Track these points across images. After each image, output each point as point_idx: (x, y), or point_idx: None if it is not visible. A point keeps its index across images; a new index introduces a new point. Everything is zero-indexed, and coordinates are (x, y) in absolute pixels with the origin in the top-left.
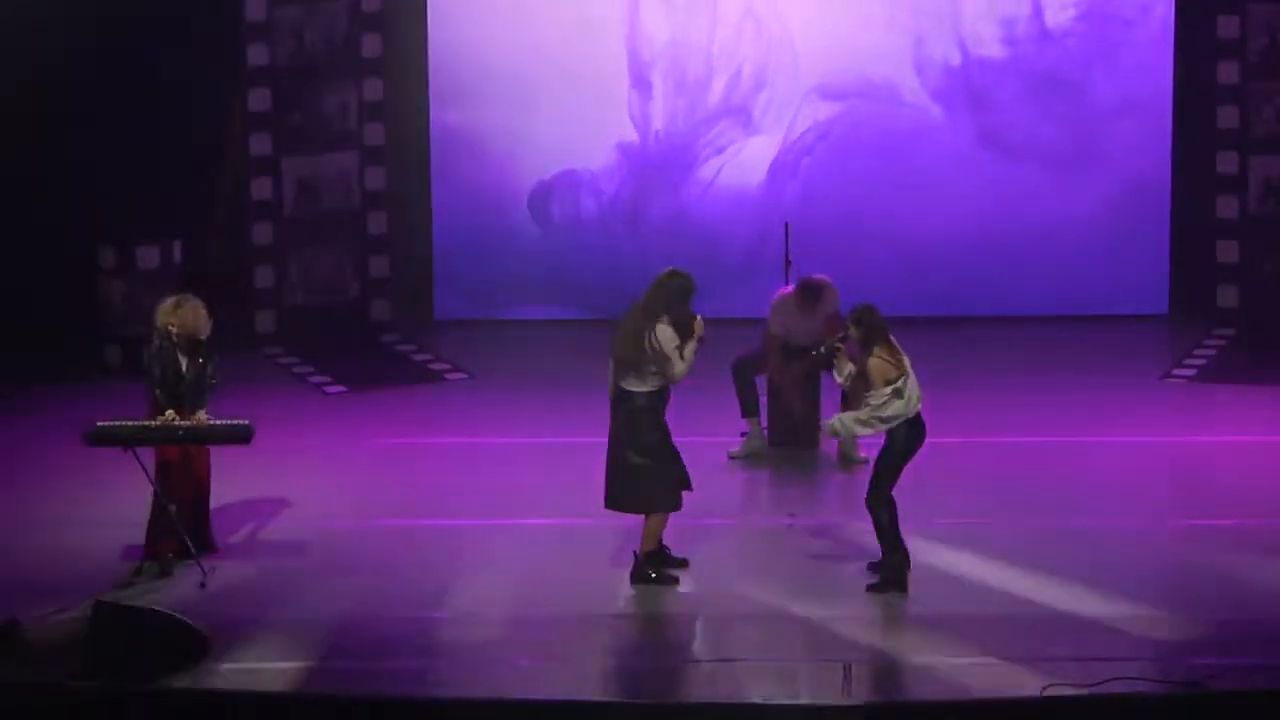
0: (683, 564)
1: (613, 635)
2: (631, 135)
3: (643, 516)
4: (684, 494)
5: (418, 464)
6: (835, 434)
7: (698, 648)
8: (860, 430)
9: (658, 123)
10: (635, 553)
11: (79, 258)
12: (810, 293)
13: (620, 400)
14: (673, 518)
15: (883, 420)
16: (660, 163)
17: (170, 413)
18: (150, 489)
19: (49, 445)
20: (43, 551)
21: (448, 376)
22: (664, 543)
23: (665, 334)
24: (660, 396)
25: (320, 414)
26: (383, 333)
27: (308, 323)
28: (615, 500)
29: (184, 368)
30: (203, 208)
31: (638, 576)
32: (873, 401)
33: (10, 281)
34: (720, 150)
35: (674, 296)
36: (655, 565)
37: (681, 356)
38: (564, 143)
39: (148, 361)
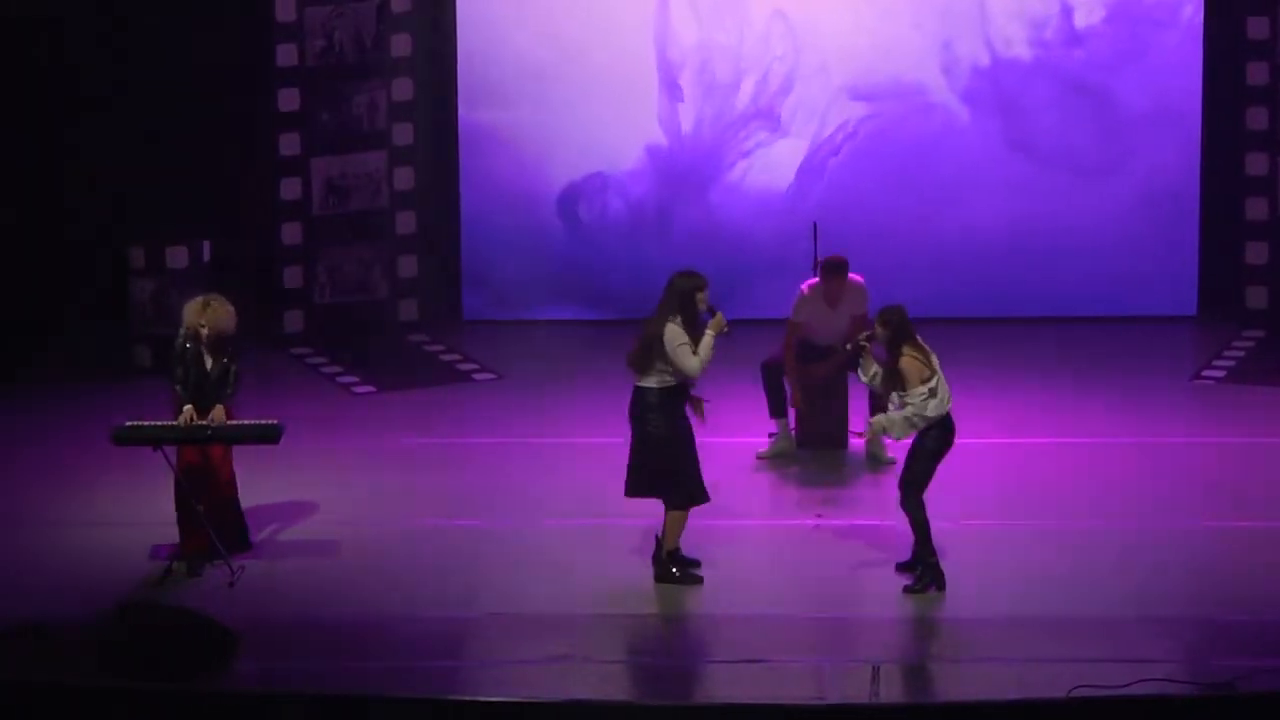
0: (694, 565)
1: (639, 635)
2: (660, 137)
3: (663, 515)
4: (708, 496)
5: (445, 464)
6: (882, 432)
7: (724, 648)
8: (904, 430)
9: (686, 125)
10: (658, 550)
11: (108, 258)
12: (834, 268)
13: (633, 398)
14: (702, 518)
15: (925, 419)
16: (688, 164)
17: (188, 409)
18: (177, 488)
19: (78, 444)
20: (72, 551)
21: (475, 377)
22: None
23: (671, 333)
24: (673, 394)
25: (348, 414)
26: (411, 333)
27: (336, 322)
28: (632, 487)
29: (209, 367)
30: (232, 208)
31: (661, 574)
32: (912, 401)
33: (40, 281)
34: (748, 153)
35: (683, 296)
36: (679, 564)
37: (694, 352)
38: (592, 144)
39: (172, 360)
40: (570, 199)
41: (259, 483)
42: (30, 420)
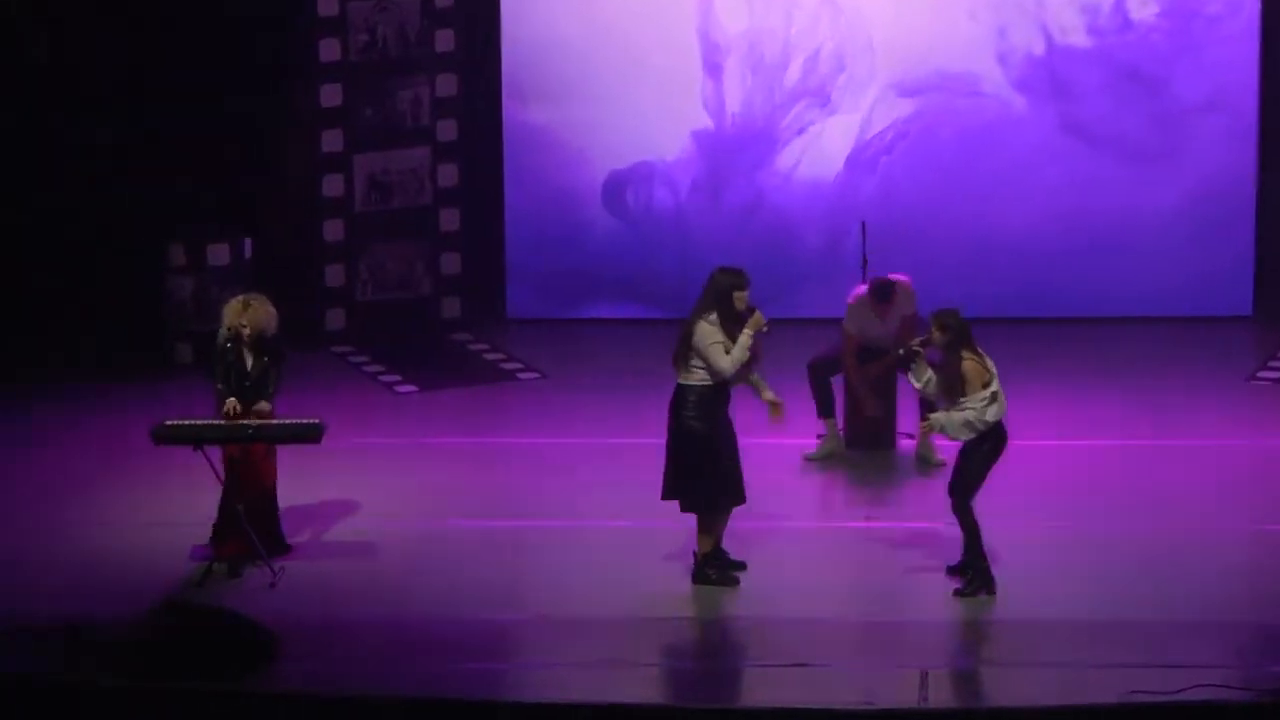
0: (740, 567)
1: (680, 638)
2: (706, 122)
3: (698, 517)
4: (743, 498)
5: (488, 464)
6: (939, 430)
7: (768, 652)
8: (960, 431)
9: (733, 106)
10: (695, 552)
11: (149, 255)
12: (881, 292)
13: (674, 396)
14: (750, 520)
15: (984, 423)
16: (736, 149)
17: (231, 401)
18: (219, 488)
19: (118, 443)
20: (111, 551)
21: (519, 376)
22: (723, 546)
23: (704, 330)
24: (712, 393)
25: (390, 413)
26: (454, 331)
27: (378, 321)
28: (669, 490)
29: (249, 366)
30: (274, 205)
31: (699, 577)
32: (973, 404)
33: (81, 278)
34: (800, 130)
35: (721, 293)
36: (716, 566)
37: (727, 351)
38: (638, 134)
39: (213, 359)
40: (615, 192)
41: (300, 483)
42: (68, 418)
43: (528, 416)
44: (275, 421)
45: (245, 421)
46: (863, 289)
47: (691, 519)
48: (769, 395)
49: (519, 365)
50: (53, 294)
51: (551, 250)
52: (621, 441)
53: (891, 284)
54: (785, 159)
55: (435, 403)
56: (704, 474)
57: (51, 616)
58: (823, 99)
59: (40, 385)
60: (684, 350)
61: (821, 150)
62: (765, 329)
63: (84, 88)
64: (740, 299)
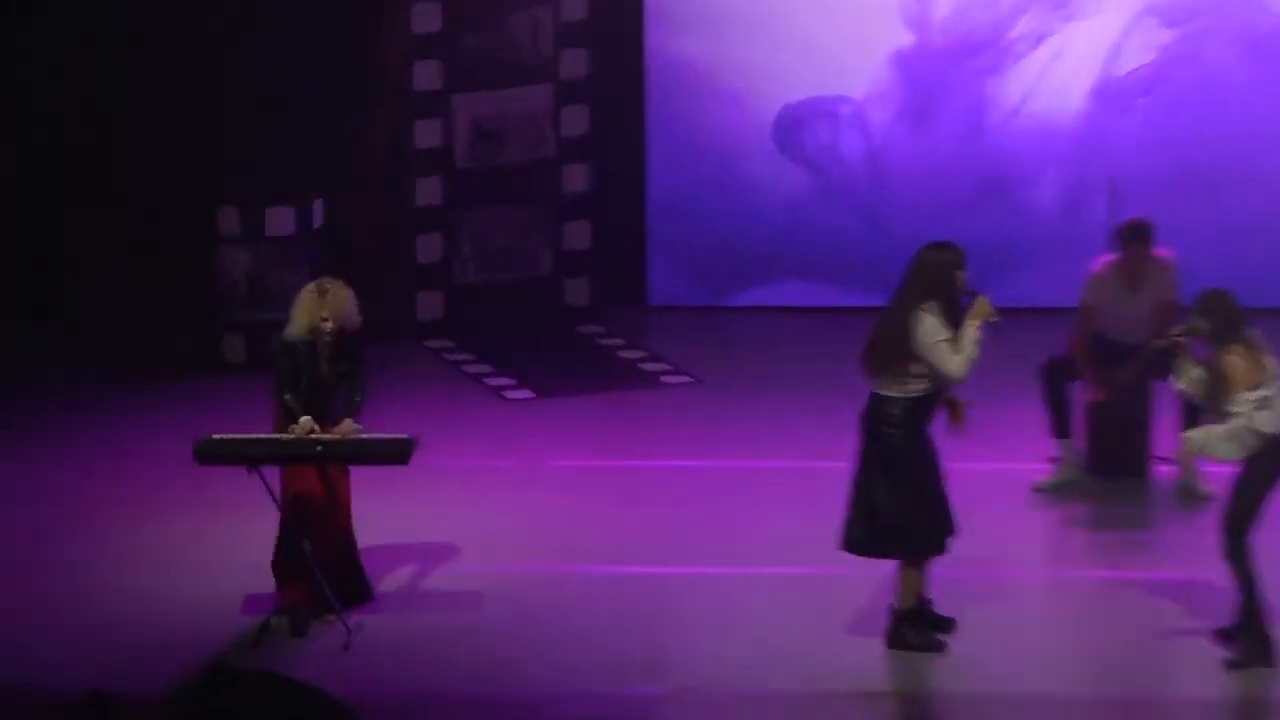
0: (949, 625)
1: (865, 717)
2: (905, 40)
3: (895, 564)
4: (955, 539)
5: (623, 493)
6: (1200, 451)
7: None
8: (1229, 448)
9: (942, 13)
10: (892, 608)
11: (194, 222)
12: (1134, 234)
13: (868, 410)
14: (961, 568)
15: (1256, 435)
16: (945, 75)
17: (305, 421)
18: (279, 521)
19: (152, 462)
20: (146, 599)
21: (664, 380)
22: (926, 597)
23: (927, 325)
24: (920, 406)
25: (499, 426)
26: (581, 321)
27: (484, 308)
28: (855, 540)
29: (326, 372)
30: (351, 158)
31: (894, 639)
32: (1239, 410)
33: (102, 251)
34: (1034, 44)
35: (937, 276)
36: (916, 626)
37: (956, 349)
38: (818, 63)
39: (279, 364)
40: (788, 139)
41: (383, 515)
42: (93, 430)
43: (674, 432)
44: (352, 437)
45: (314, 436)
46: (1110, 258)
47: (884, 564)
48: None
49: (664, 366)
50: (69, 270)
51: (706, 217)
52: (795, 465)
53: (1146, 225)
54: (1011, 88)
55: (556, 413)
56: (916, 510)
57: (71, 685)
58: (1060, 1)
59: (59, 383)
60: (890, 350)
61: (1059, 78)
62: (995, 319)
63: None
64: (960, 279)
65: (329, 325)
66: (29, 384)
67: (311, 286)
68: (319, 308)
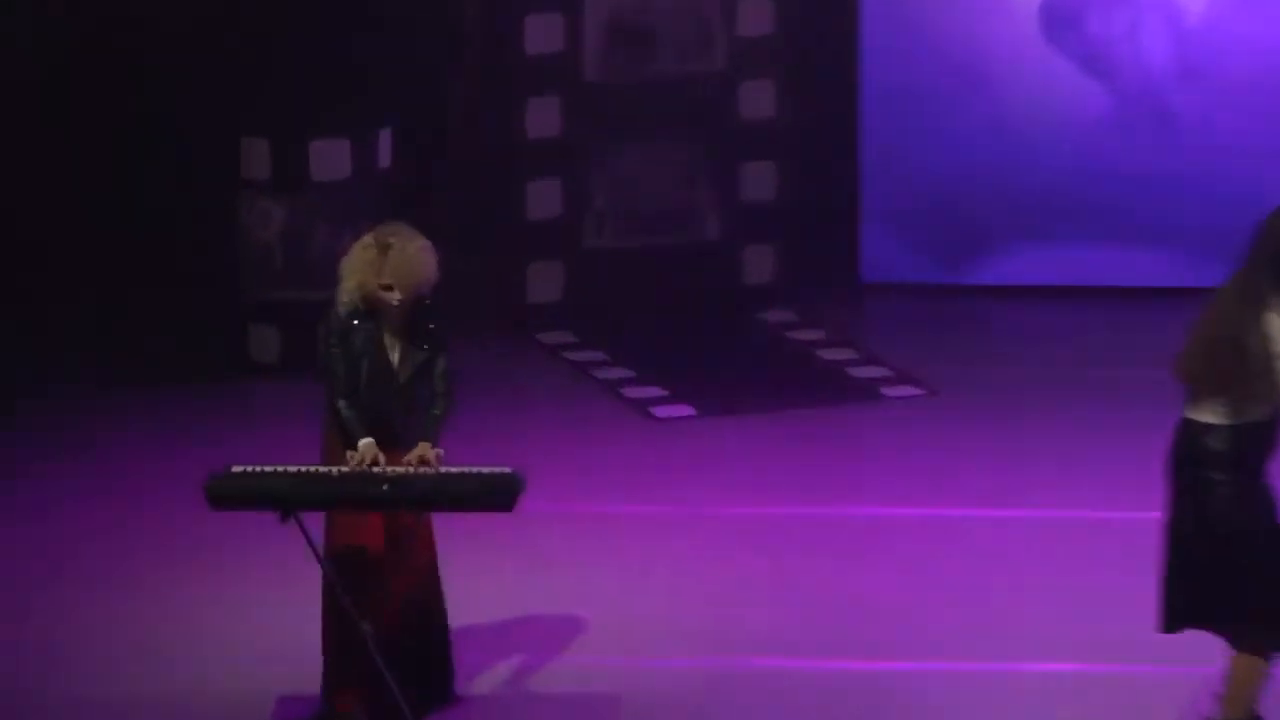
0: None
1: None
2: None
3: (1229, 655)
4: None
5: (826, 553)
6: None
7: None
8: None
9: None
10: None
11: (208, 162)
12: None
13: (1179, 442)
14: None
15: None
16: None
17: (366, 446)
18: (324, 590)
19: (148, 503)
20: (153, 699)
21: (884, 391)
22: (1257, 714)
23: (1278, 327)
24: (1257, 436)
25: (641, 455)
26: (762, 306)
27: (623, 286)
28: (1175, 614)
29: (395, 363)
30: (429, 72)
31: None
32: None
33: (93, 200)
34: None
35: None
36: None
37: None
38: None
39: (326, 353)
40: (1061, 42)
41: (476, 582)
42: (74, 455)
43: (898, 465)
44: (432, 469)
45: (378, 470)
46: None
47: (1198, 660)
48: None
49: (882, 371)
50: (40, 227)
51: (943, 157)
52: (1070, 516)
53: None
54: None
55: (726, 439)
56: (1258, 583)
57: None
58: None
59: (23, 394)
60: (1218, 359)
61: None
62: None
63: None
64: None
65: (395, 296)
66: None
67: (368, 239)
68: (376, 269)
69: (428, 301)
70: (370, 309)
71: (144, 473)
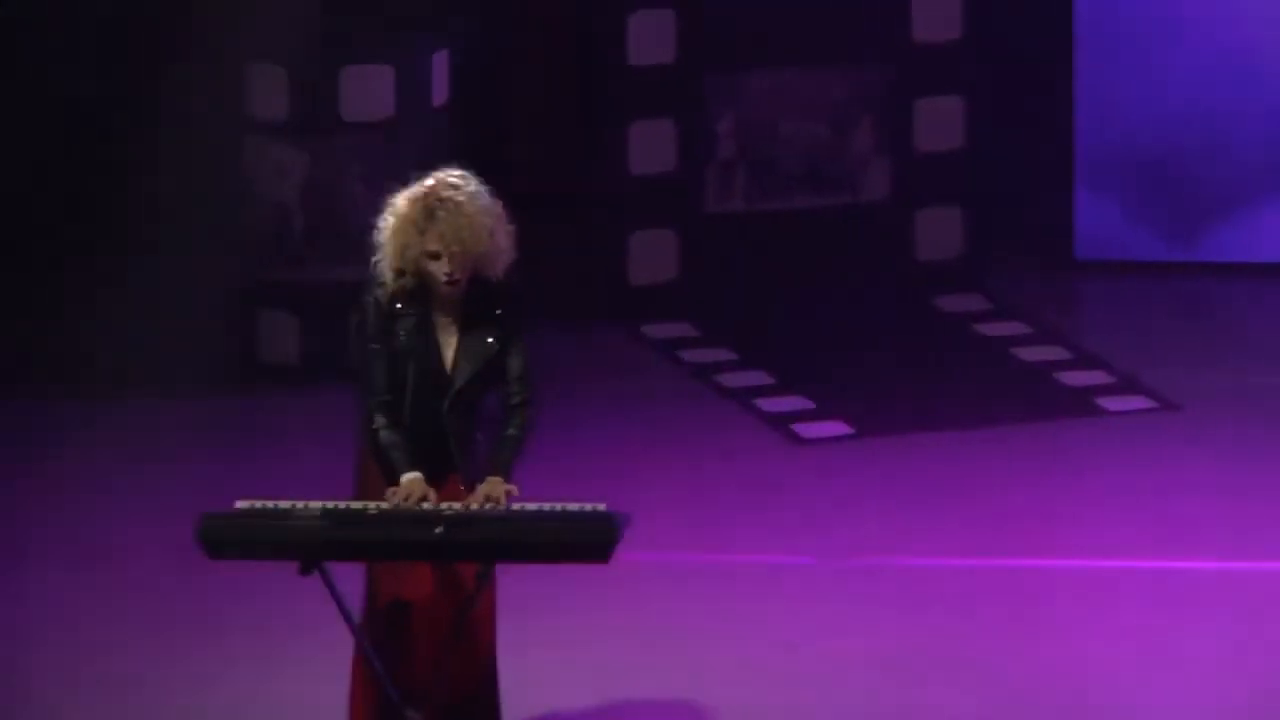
0: None
1: None
2: None
3: None
4: None
5: (1019, 612)
6: None
7: None
8: None
9: None
10: None
11: (215, 98)
12: None
13: None
14: None
15: None
16: None
17: (410, 482)
18: (355, 661)
19: (155, 549)
20: None
21: (1103, 403)
22: None
23: None
24: None
25: (780, 488)
26: (944, 289)
27: (755, 263)
28: None
29: (449, 364)
30: None
31: None
32: None
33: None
34: None
35: None
36: None
37: None
38: None
39: (360, 352)
40: None
41: (550, 653)
42: (26, 493)
43: (1118, 504)
44: (503, 500)
45: (435, 506)
46: None
47: None
48: None
49: (1103, 377)
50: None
51: (1168, 107)
52: None
53: None
54: None
55: (890, 465)
56: None
57: None
58: None
59: None
60: None
61: None
62: None
63: None
64: None
65: (444, 268)
66: None
67: (415, 190)
68: (424, 234)
69: (495, 281)
70: (419, 290)
71: (121, 510)
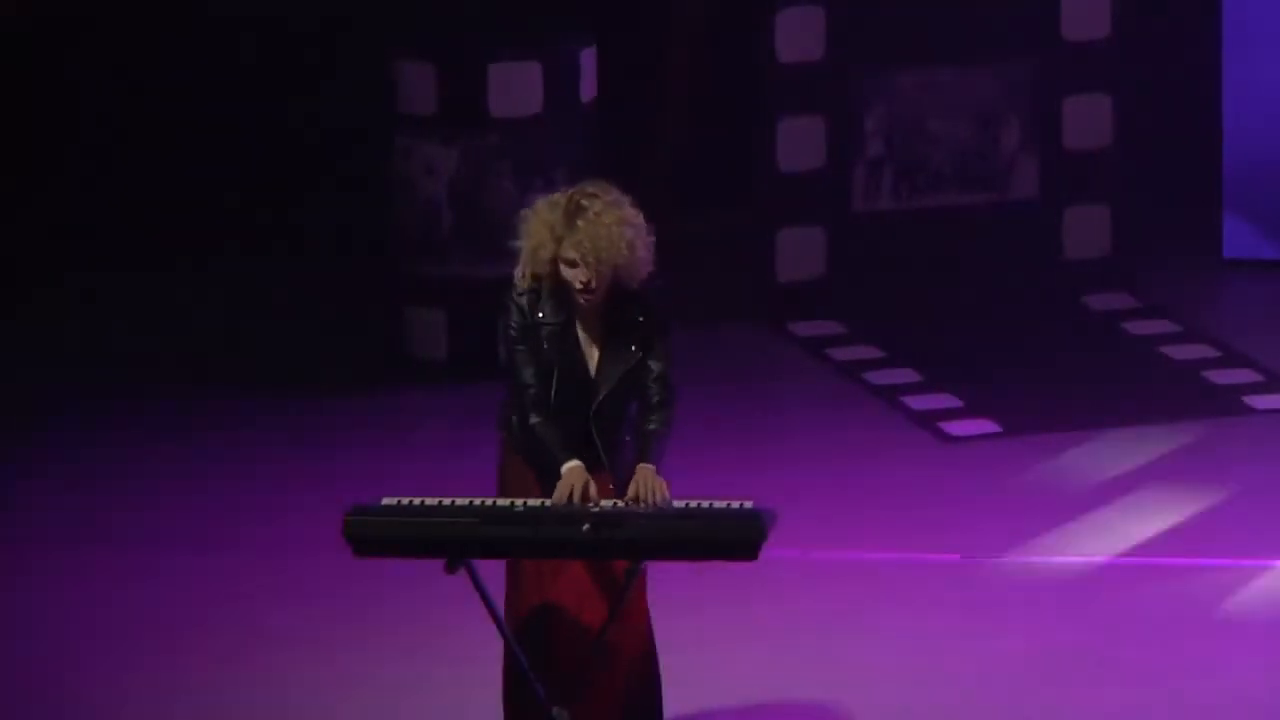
0: None
1: None
2: None
3: None
4: None
5: (1176, 616)
6: None
7: None
8: None
9: None
10: None
11: (364, 95)
12: None
13: None
14: None
15: None
16: None
17: (572, 471)
18: (505, 670)
19: (296, 545)
20: None
21: (1250, 402)
22: None
23: None
24: None
25: (928, 486)
26: (1092, 287)
27: (903, 261)
28: None
29: (593, 371)
30: None
31: None
32: None
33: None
34: None
35: None
36: None
37: None
38: None
39: (509, 352)
40: None
41: (700, 654)
42: (170, 483)
43: (1268, 503)
44: (654, 502)
45: (583, 504)
46: None
47: None
48: None
49: (1250, 376)
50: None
51: None
52: None
53: None
54: None
55: (1039, 463)
56: None
57: None
58: None
59: (67, 396)
60: None
61: None
62: None
63: None
64: None
65: (580, 276)
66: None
67: (556, 197)
68: (562, 239)
69: (636, 289)
70: (560, 296)
71: (264, 506)
